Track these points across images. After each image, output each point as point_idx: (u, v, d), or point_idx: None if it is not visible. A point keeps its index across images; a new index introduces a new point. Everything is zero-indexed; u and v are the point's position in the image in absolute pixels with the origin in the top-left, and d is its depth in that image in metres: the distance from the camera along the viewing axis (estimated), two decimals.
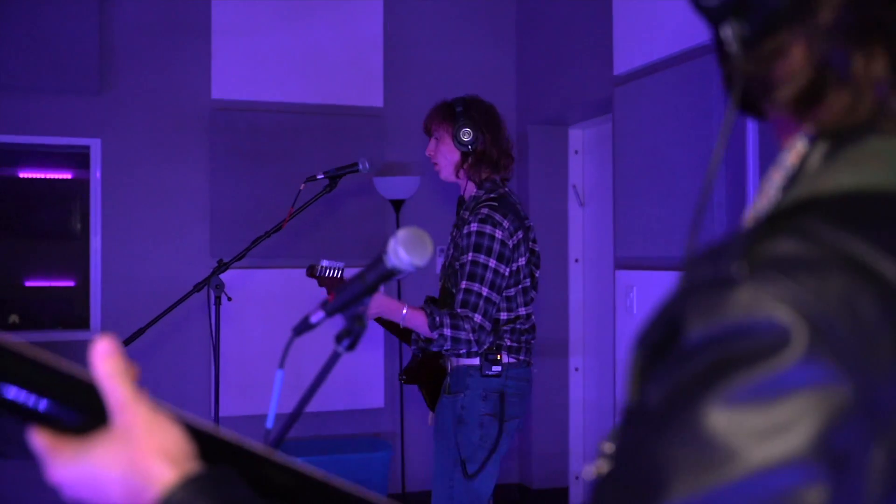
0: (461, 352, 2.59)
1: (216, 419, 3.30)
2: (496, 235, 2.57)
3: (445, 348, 2.56)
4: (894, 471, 0.48)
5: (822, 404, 0.46)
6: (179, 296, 3.14)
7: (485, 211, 2.60)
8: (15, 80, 4.15)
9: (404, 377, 2.92)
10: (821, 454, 0.46)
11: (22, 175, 4.77)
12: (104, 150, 4.39)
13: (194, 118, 4.49)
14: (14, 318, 4.72)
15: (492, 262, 2.56)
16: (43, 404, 0.65)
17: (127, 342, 3.25)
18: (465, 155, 2.70)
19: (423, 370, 2.85)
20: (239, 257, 3.10)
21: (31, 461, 0.69)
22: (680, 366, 0.50)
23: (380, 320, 2.80)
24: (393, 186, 4.39)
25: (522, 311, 2.67)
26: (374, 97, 4.74)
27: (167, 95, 4.46)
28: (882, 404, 0.48)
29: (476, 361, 2.62)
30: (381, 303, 2.57)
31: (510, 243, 2.59)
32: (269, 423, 1.34)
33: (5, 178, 4.79)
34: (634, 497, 0.49)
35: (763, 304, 0.48)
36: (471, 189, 2.74)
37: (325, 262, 2.74)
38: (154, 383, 4.35)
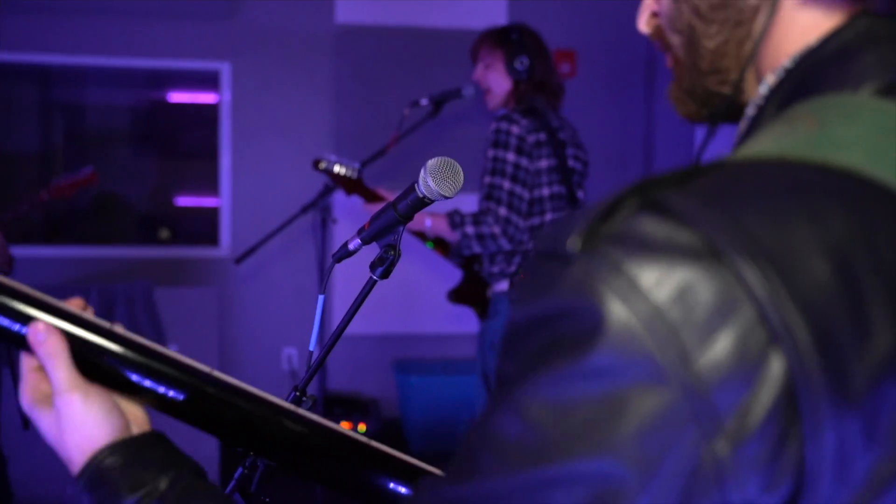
0: (491, 251, 2.50)
1: (320, 335, 3.38)
2: (512, 130, 2.49)
3: (474, 250, 2.48)
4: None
5: (632, 403, 0.42)
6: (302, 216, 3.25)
7: (502, 112, 2.54)
8: (154, 5, 4.31)
9: (453, 296, 2.89)
10: (627, 456, 0.42)
11: (171, 99, 5.01)
12: (234, 74, 4.51)
13: (319, 42, 4.55)
14: (166, 232, 5.03)
15: (510, 156, 2.47)
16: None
17: (239, 260, 3.39)
18: (516, 84, 2.61)
19: (469, 290, 2.81)
20: (335, 184, 3.13)
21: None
22: (505, 343, 0.48)
23: (434, 243, 2.79)
24: None
25: (549, 217, 2.56)
26: (498, 19, 4.64)
27: (293, 19, 4.52)
28: (716, 406, 0.41)
29: (506, 286, 2.54)
30: None
31: (529, 139, 2.50)
32: (312, 346, 1.36)
33: (156, 101, 5.05)
34: (453, 472, 0.47)
35: (588, 287, 0.43)
36: None
37: (332, 157, 2.75)
38: (270, 301, 4.53)
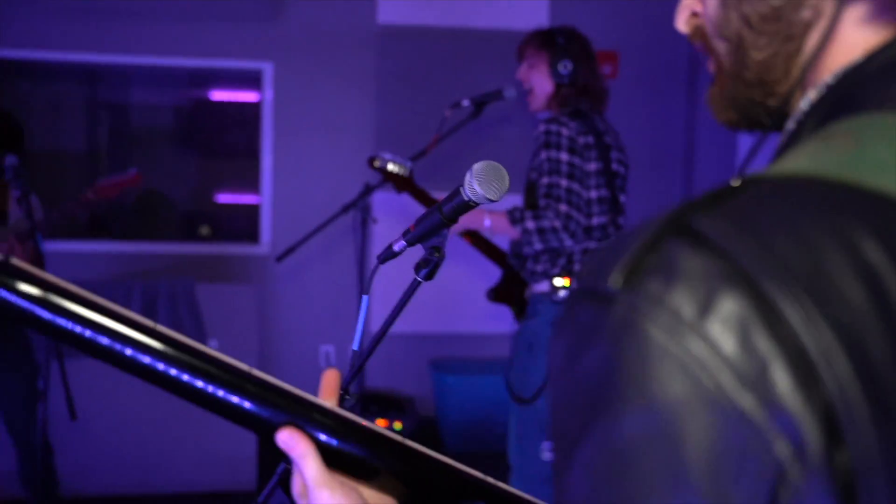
0: (553, 246, 2.49)
1: (361, 336, 3.41)
2: (562, 132, 2.50)
3: (535, 246, 2.48)
4: None
5: (694, 437, 0.42)
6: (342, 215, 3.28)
7: (549, 114, 2.55)
8: (200, 6, 4.37)
9: (492, 294, 2.90)
10: (701, 491, 0.42)
11: (214, 98, 5.08)
12: (276, 74, 4.56)
13: (361, 42, 4.57)
14: (206, 229, 5.10)
15: (564, 155, 2.47)
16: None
17: (280, 258, 3.42)
18: (558, 87, 2.60)
19: (508, 289, 2.81)
20: (385, 182, 3.15)
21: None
22: (555, 396, 0.48)
23: (470, 239, 2.80)
24: None
25: (595, 220, 2.56)
26: (539, 19, 4.63)
27: (335, 20, 4.55)
28: (776, 432, 0.41)
29: (546, 287, 2.54)
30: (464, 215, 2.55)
31: (579, 140, 2.50)
32: (356, 345, 1.37)
33: (199, 100, 5.12)
34: None
35: (634, 325, 0.43)
36: None
37: (386, 156, 2.78)
38: (309, 299, 4.57)
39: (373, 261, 4.31)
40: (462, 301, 4.57)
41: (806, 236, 0.43)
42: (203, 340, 3.76)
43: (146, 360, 0.69)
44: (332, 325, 4.60)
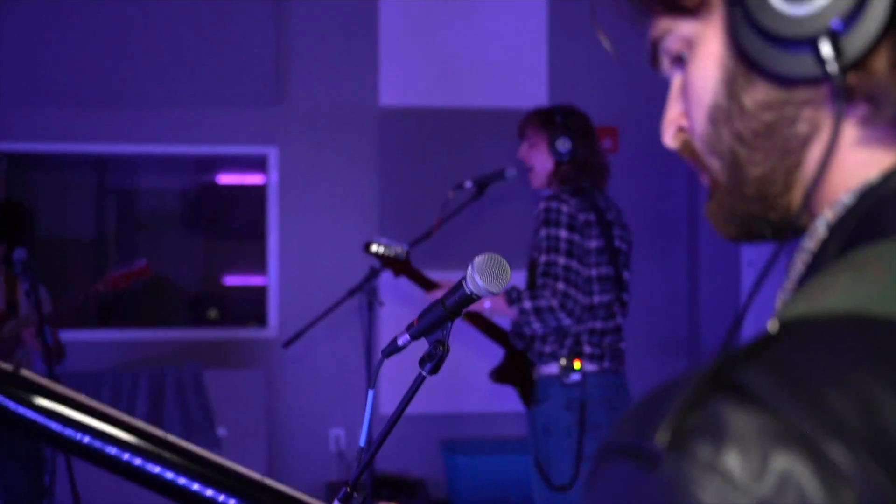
0: (551, 325, 2.48)
1: (368, 430, 3.37)
2: (562, 209, 2.52)
3: (534, 326, 2.47)
4: None
5: None
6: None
7: (550, 192, 2.58)
8: (205, 95, 4.47)
9: (495, 375, 2.88)
10: None
11: (220, 181, 5.15)
12: (281, 157, 4.62)
13: (363, 124, 4.65)
14: (213, 312, 5.11)
15: (563, 233, 2.48)
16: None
17: (287, 344, 3.41)
18: (558, 165, 2.64)
19: (512, 369, 2.79)
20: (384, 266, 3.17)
21: None
22: None
23: (471, 320, 2.79)
24: None
25: (597, 299, 2.55)
26: (538, 98, 4.71)
27: (338, 102, 4.64)
28: None
29: (555, 370, 2.53)
30: None
31: (579, 217, 2.52)
32: (362, 442, 1.36)
33: (205, 184, 5.19)
34: None
35: (684, 492, 0.40)
36: None
37: (382, 240, 2.79)
38: (317, 382, 4.55)
39: (381, 343, 4.32)
40: (469, 380, 4.54)
41: (858, 389, 0.41)
42: (212, 428, 3.73)
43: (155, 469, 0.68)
44: (342, 408, 4.57)
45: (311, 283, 4.58)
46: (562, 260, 2.46)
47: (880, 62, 0.52)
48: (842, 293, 0.47)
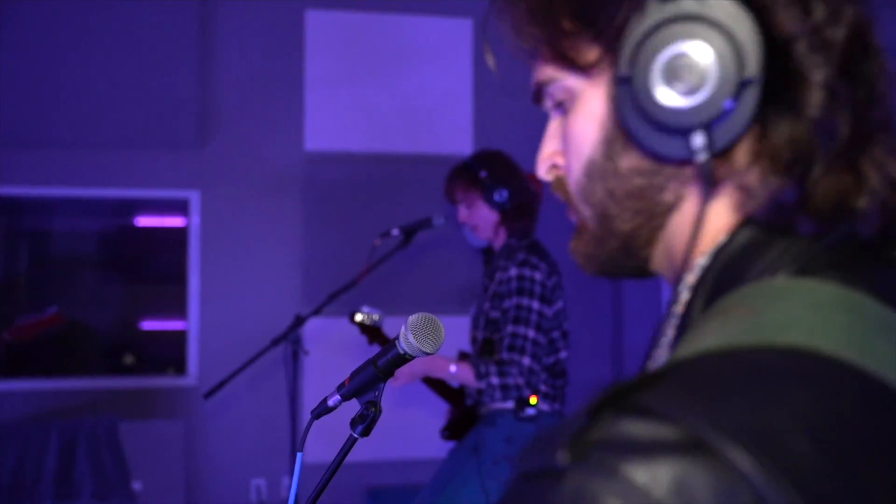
0: (512, 398, 2.51)
1: (295, 498, 3.30)
2: (535, 277, 2.53)
3: (496, 398, 2.49)
4: None
5: None
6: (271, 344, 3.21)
7: (522, 255, 2.57)
8: (124, 136, 4.37)
9: (447, 433, 2.86)
10: None
11: (139, 223, 5.01)
12: (203, 201, 4.54)
13: (288, 169, 4.60)
14: (130, 358, 4.93)
15: (535, 304, 2.50)
16: None
17: (207, 395, 3.31)
18: (503, 213, 2.65)
19: (466, 424, 2.78)
20: (316, 311, 3.12)
21: None
22: None
23: (427, 380, 2.77)
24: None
25: (564, 354, 2.62)
26: (463, 145, 4.75)
27: (263, 148, 4.59)
28: None
29: (511, 405, 2.54)
30: (426, 361, 2.53)
31: (549, 284, 2.55)
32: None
33: (123, 226, 5.04)
34: None
35: (588, 494, 0.43)
36: (501, 240, 2.70)
37: (365, 309, 2.76)
38: (238, 432, 4.43)
39: (306, 391, 4.24)
40: (392, 426, 4.48)
41: (744, 399, 0.45)
42: (126, 483, 3.58)
43: None
44: (264, 458, 4.45)
45: (232, 328, 4.48)
46: (531, 333, 2.47)
47: (741, 153, 0.59)
48: (713, 336, 0.51)
